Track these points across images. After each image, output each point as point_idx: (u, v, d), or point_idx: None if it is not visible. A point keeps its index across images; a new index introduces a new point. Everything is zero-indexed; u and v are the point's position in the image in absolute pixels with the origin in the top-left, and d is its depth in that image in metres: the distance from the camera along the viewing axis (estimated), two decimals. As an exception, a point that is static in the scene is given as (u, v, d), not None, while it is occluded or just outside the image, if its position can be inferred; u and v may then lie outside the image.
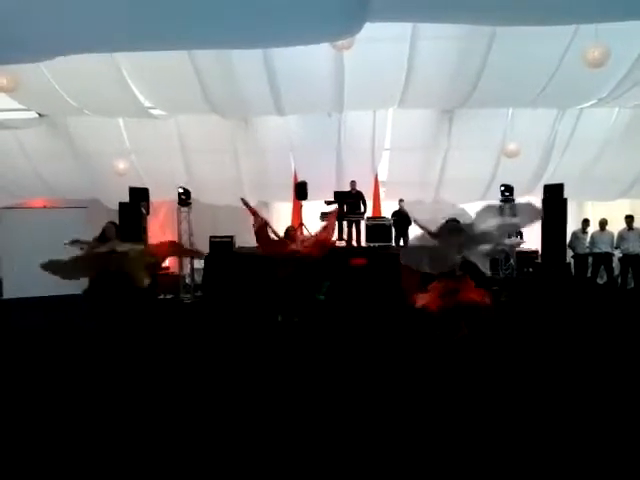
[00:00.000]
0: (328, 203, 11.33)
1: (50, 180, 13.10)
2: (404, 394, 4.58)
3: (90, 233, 7.15)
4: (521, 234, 11.51)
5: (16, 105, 10.91)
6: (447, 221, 6.33)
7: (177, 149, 12.56)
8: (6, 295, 10.65)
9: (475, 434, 3.70)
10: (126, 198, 10.69)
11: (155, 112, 11.47)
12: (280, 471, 3.21)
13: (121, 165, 12.15)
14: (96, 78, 9.69)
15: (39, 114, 11.87)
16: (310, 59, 9.18)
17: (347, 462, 3.28)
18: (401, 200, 12.22)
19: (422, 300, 6.25)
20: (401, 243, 11.81)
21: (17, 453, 3.48)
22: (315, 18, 4.85)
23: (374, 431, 3.76)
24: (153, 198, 11.39)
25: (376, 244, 11.29)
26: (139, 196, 10.76)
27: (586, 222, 11.40)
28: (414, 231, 7.79)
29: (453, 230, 6.20)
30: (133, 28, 5.03)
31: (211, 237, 11.09)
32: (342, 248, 11.13)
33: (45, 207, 12.56)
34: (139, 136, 12.31)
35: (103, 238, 6.84)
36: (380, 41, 8.77)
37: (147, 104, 11.01)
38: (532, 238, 11.04)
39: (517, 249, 10.69)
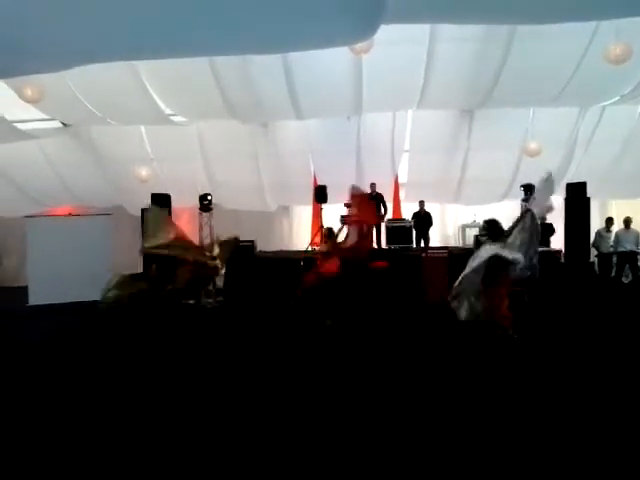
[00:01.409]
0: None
1: (74, 188, 13.35)
2: (424, 394, 4.58)
3: (114, 240, 7.23)
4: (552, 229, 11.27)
5: (41, 115, 11.15)
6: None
7: (198, 155, 12.71)
8: (32, 302, 10.81)
9: (499, 432, 3.70)
10: (149, 204, 10.83)
11: (176, 119, 11.62)
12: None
13: (143, 172, 12.32)
14: (117, 87, 9.87)
15: (63, 124, 12.09)
16: (328, 63, 9.23)
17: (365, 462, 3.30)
18: (421, 201, 12.19)
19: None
20: (422, 245, 11.79)
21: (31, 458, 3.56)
22: (330, 22, 4.87)
23: (396, 431, 3.77)
24: (175, 204, 11.52)
25: (397, 246, 11.27)
26: (161, 202, 10.87)
27: (610, 221, 11.25)
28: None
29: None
30: (147, 37, 5.11)
31: (233, 242, 11.16)
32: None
33: (70, 215, 12.77)
34: (160, 143, 12.49)
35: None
36: (398, 43, 8.78)
37: (168, 111, 11.16)
38: (556, 237, 10.91)
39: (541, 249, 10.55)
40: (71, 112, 11.00)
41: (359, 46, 7.80)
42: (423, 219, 12.05)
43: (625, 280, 10.95)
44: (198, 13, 4.67)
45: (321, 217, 12.13)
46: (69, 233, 11.00)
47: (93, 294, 8.63)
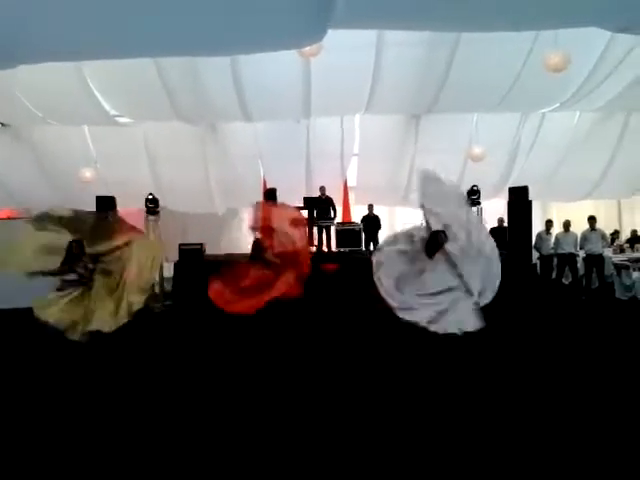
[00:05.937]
0: (298, 209, 11.35)
1: (15, 191, 12.85)
2: (376, 397, 4.62)
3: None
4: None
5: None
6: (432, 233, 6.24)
7: (144, 157, 12.43)
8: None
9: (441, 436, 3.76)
10: (93, 207, 10.52)
11: (121, 120, 11.37)
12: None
13: (87, 174, 11.97)
14: (60, 87, 9.60)
15: (2, 124, 11.67)
16: (277, 65, 9.23)
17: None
18: (370, 205, 12.29)
19: None
20: (371, 247, 11.89)
21: None
22: (277, 25, 4.85)
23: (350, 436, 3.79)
24: (120, 207, 11.23)
25: (346, 249, 11.34)
26: (106, 205, 10.59)
27: (549, 223, 11.65)
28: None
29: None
30: (96, 35, 4.96)
31: (180, 245, 10.98)
32: (312, 253, 11.19)
33: (9, 218, 12.29)
34: (105, 144, 12.17)
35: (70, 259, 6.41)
36: (346, 48, 8.84)
37: (113, 112, 10.90)
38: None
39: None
40: (10, 112, 10.64)
41: (308, 49, 7.80)
42: (372, 222, 12.16)
43: (565, 281, 11.33)
44: (143, 13, 4.56)
45: (271, 220, 12.08)
46: (8, 237, 10.56)
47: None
